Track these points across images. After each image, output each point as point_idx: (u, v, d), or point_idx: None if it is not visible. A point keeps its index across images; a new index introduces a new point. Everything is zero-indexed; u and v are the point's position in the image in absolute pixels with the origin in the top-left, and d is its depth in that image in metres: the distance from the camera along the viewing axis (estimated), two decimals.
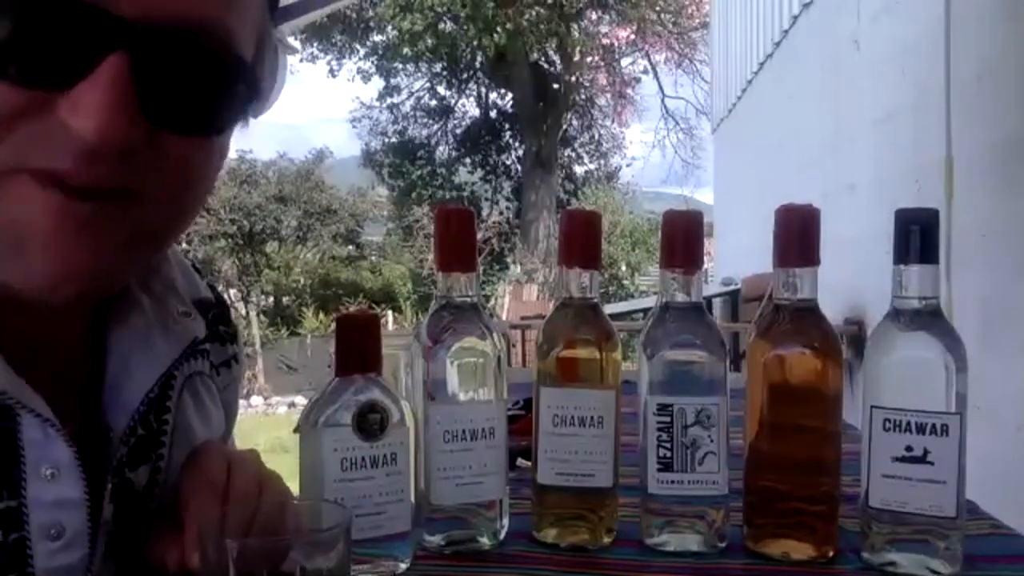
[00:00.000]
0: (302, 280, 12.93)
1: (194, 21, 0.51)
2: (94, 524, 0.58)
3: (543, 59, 14.80)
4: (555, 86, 14.78)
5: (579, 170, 16.37)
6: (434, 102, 16.16)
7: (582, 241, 0.82)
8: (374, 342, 0.73)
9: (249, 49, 0.56)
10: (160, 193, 0.53)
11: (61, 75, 0.47)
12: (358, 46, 14.83)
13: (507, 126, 16.18)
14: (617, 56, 14.72)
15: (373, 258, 14.74)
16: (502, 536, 0.81)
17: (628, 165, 18.17)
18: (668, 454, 0.77)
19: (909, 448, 0.72)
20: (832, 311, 2.66)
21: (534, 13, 12.55)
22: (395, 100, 15.89)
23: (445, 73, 15.76)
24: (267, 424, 7.31)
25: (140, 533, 0.62)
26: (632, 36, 13.89)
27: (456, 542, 0.79)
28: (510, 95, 15.60)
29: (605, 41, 14.24)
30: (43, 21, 0.46)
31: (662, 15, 14.04)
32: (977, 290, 2.60)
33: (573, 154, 16.25)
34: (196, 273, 0.76)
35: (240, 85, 0.55)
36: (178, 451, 0.66)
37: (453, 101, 16.26)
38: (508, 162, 16.38)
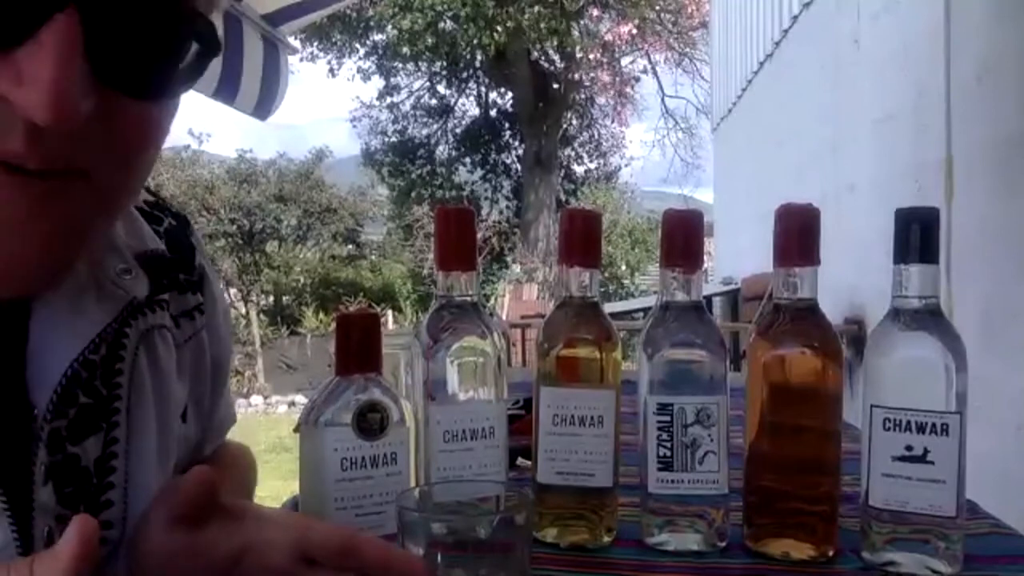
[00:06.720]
0: (302, 279, 12.93)
1: None
2: (24, 507, 0.53)
3: (543, 58, 14.79)
4: (555, 85, 14.76)
5: (579, 169, 16.36)
6: (434, 101, 16.15)
7: (582, 240, 0.82)
8: (374, 342, 0.73)
9: None
10: (113, 165, 0.48)
11: None
12: (358, 45, 14.80)
13: (507, 125, 16.16)
14: (617, 55, 14.71)
15: (373, 257, 14.74)
16: None
17: (628, 164, 18.08)
18: (668, 453, 0.77)
19: (909, 447, 0.72)
20: (832, 311, 2.66)
21: (535, 11, 12.54)
22: (395, 99, 15.87)
23: (445, 72, 15.74)
24: (267, 423, 7.31)
25: None
26: (632, 33, 13.86)
27: None
28: (510, 94, 15.59)
29: (606, 38, 14.23)
30: None
31: (662, 14, 14.03)
32: (977, 290, 2.60)
33: (573, 153, 16.24)
34: (144, 221, 0.68)
35: (198, 40, 0.48)
36: (138, 414, 0.61)
37: (453, 100, 16.25)
38: (508, 161, 16.36)
